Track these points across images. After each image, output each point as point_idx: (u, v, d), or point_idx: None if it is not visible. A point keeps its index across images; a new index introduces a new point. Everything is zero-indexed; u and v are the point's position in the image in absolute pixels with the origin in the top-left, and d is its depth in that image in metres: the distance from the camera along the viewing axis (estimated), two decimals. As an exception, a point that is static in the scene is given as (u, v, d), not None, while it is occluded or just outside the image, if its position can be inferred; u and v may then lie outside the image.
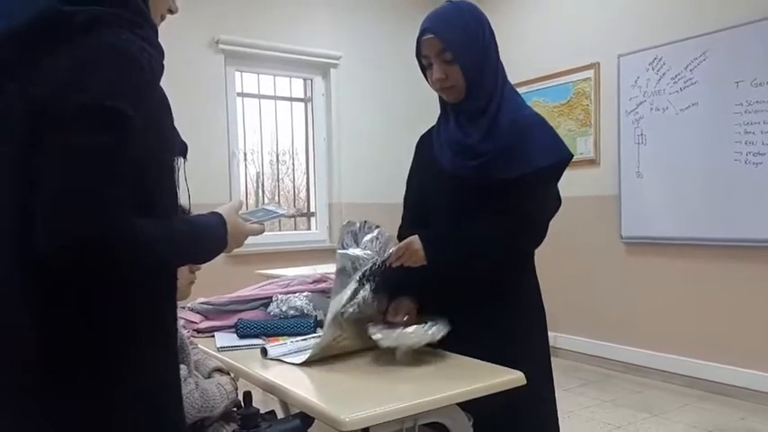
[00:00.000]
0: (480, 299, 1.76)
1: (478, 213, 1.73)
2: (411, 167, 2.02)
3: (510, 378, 1.54)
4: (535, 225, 1.75)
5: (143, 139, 0.98)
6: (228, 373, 1.72)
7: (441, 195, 1.84)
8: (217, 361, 1.75)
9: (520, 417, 1.69)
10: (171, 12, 1.22)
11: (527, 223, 1.73)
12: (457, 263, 1.73)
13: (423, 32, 1.74)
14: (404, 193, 2.03)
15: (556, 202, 1.81)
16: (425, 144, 1.96)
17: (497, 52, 1.80)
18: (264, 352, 1.69)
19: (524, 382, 1.54)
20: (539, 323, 1.90)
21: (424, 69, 1.81)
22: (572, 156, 1.76)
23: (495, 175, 1.71)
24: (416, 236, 1.71)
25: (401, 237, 1.93)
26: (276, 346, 1.72)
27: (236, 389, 1.65)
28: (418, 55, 1.79)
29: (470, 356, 1.69)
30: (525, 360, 1.64)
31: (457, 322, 1.71)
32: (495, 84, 1.76)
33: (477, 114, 1.76)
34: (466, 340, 1.72)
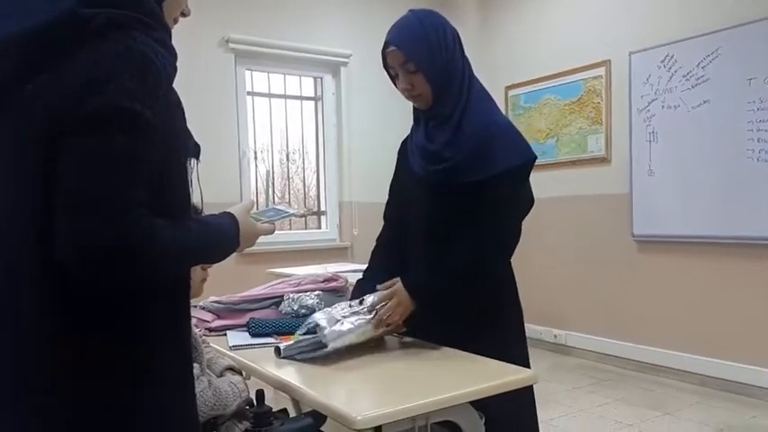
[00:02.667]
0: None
1: (452, 217, 1.77)
2: (394, 173, 2.06)
3: (522, 377, 1.54)
4: (504, 235, 1.77)
5: (159, 141, 0.99)
6: (240, 372, 1.73)
7: (416, 200, 1.88)
8: (229, 360, 1.76)
9: (497, 409, 1.63)
10: (184, 15, 1.22)
11: (497, 236, 1.76)
12: (444, 297, 1.75)
13: (386, 45, 1.79)
14: (386, 200, 2.08)
15: (527, 203, 1.83)
16: (404, 149, 2.01)
17: (463, 58, 1.81)
18: (278, 351, 1.70)
19: (537, 380, 1.54)
20: (515, 315, 1.89)
21: (393, 79, 1.85)
22: (536, 157, 1.79)
23: (462, 179, 1.74)
24: (400, 292, 1.73)
25: (378, 249, 2.05)
26: (289, 346, 1.71)
27: (247, 388, 1.65)
28: (385, 66, 1.83)
29: None
30: (499, 355, 1.64)
31: (427, 317, 1.75)
32: (460, 89, 1.78)
33: (444, 120, 1.79)
34: (436, 335, 1.76)
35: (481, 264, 1.75)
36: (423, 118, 1.88)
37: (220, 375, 1.68)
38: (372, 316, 1.70)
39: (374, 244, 2.09)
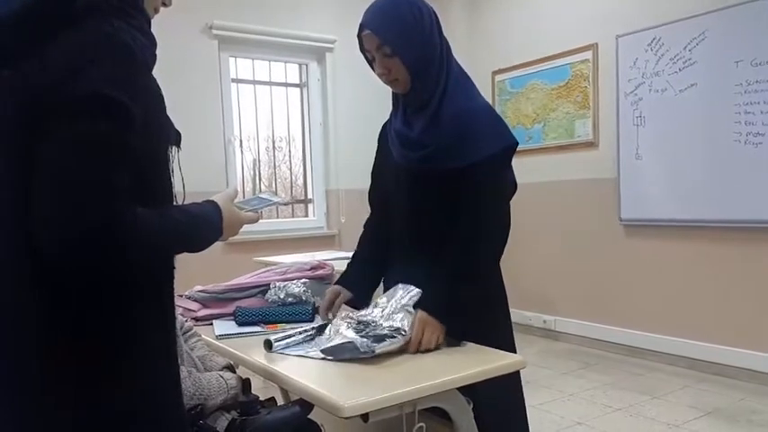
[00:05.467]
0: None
1: (433, 205, 1.73)
2: (375, 158, 2.02)
3: (510, 362, 1.53)
4: (492, 225, 1.71)
5: (140, 129, 0.98)
6: (234, 372, 1.69)
7: (397, 187, 1.85)
8: (227, 359, 1.72)
9: (485, 394, 1.61)
10: (165, 5, 1.21)
11: (486, 229, 1.70)
12: (464, 305, 1.67)
13: (361, 28, 1.74)
14: (369, 186, 2.05)
15: (511, 188, 1.80)
16: (384, 135, 1.96)
17: (441, 37, 1.76)
18: (269, 345, 1.66)
19: (525, 365, 1.53)
20: (500, 301, 1.87)
21: (370, 63, 1.80)
22: (517, 143, 1.74)
23: (441, 166, 1.70)
24: (424, 316, 1.62)
25: (364, 236, 2.04)
26: (280, 338, 1.67)
27: (239, 385, 1.61)
28: (362, 49, 1.78)
29: None
30: (484, 340, 1.63)
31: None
32: (438, 72, 1.73)
33: (422, 106, 1.75)
34: None
35: (476, 263, 1.69)
36: (401, 103, 1.83)
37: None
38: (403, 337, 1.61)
39: (362, 231, 2.07)
